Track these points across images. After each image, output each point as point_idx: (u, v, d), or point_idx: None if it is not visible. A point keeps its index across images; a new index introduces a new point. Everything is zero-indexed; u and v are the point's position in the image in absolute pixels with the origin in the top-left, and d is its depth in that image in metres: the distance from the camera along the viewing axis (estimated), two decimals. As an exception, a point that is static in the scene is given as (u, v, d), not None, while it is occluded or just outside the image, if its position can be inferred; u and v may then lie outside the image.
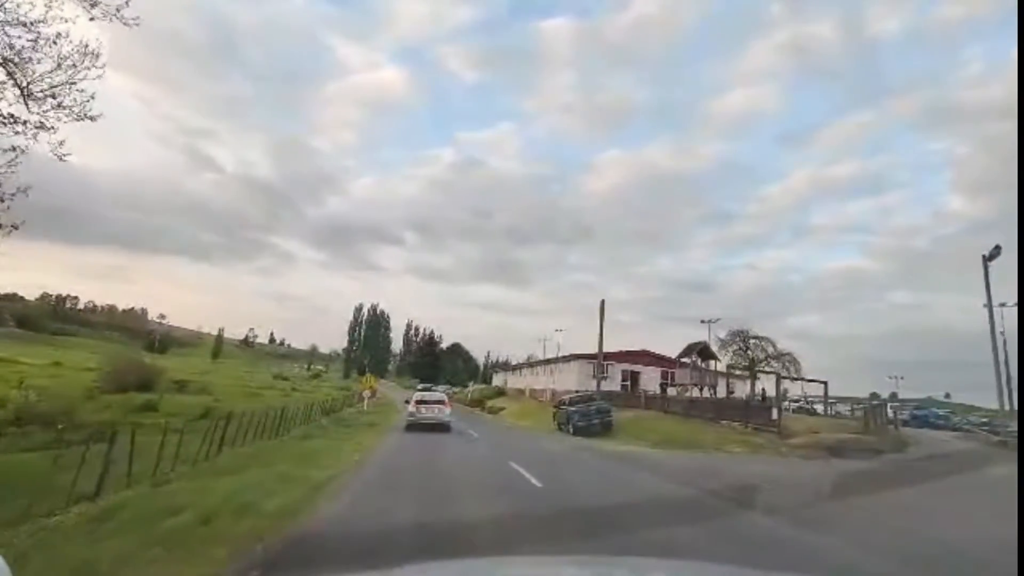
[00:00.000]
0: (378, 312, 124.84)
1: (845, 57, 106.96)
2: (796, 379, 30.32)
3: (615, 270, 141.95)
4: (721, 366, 31.05)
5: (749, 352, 28.99)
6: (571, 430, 24.17)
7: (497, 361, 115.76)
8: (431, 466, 11.36)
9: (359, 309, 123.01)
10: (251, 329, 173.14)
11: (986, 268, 27.67)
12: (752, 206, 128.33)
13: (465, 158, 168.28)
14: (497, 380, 76.60)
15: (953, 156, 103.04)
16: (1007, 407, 27.04)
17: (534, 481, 9.61)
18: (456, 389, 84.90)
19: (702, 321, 56.88)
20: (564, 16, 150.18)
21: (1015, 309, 41.36)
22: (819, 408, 32.27)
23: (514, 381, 65.04)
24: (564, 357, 46.12)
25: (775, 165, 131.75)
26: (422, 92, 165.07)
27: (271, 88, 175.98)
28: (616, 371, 42.28)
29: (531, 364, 59.47)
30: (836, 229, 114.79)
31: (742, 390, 32.17)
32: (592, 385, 41.06)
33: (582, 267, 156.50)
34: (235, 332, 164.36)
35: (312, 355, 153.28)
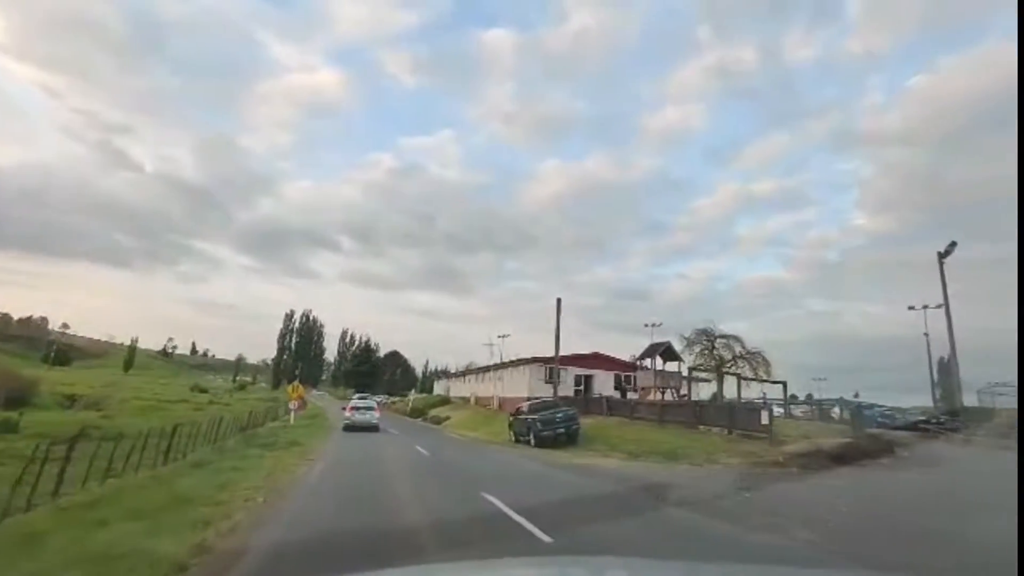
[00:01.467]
0: (311, 319, 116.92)
1: (765, 81, 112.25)
2: (756, 380, 28.55)
3: (556, 278, 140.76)
4: (681, 367, 28.84)
5: (716, 351, 27.00)
6: (532, 441, 20.85)
7: (436, 369, 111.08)
8: (375, 509, 7.69)
9: (290, 316, 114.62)
10: (170, 339, 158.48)
11: (941, 265, 27.05)
12: (683, 218, 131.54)
13: (406, 164, 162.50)
14: (439, 388, 72.25)
15: (858, 177, 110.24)
16: (954, 404, 26.37)
17: (540, 534, 6.18)
18: (395, 399, 79.74)
19: (646, 325, 55.51)
20: (505, 27, 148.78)
21: (934, 311, 42.51)
22: (778, 410, 30.72)
23: (458, 389, 61.06)
24: (514, 361, 42.87)
25: (704, 180, 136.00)
26: (361, 96, 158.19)
27: (199, 83, 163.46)
28: (569, 375, 39.43)
29: (477, 370, 55.75)
30: (758, 241, 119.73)
31: (704, 392, 30.10)
32: (544, 391, 38.02)
33: (523, 275, 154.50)
34: (154, 342, 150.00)
35: (239, 366, 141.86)
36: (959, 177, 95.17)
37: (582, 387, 39.07)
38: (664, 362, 28.10)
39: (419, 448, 18.16)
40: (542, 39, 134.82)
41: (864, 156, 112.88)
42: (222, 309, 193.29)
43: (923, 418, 39.91)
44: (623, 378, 39.12)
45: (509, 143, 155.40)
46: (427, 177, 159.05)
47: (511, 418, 24.32)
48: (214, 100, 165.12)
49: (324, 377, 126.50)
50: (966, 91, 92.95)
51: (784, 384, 29.07)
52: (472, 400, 51.54)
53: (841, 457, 15.81)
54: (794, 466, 15.13)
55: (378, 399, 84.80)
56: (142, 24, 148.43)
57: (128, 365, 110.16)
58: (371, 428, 26.13)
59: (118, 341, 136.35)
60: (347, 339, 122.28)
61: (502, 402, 43.77)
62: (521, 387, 40.05)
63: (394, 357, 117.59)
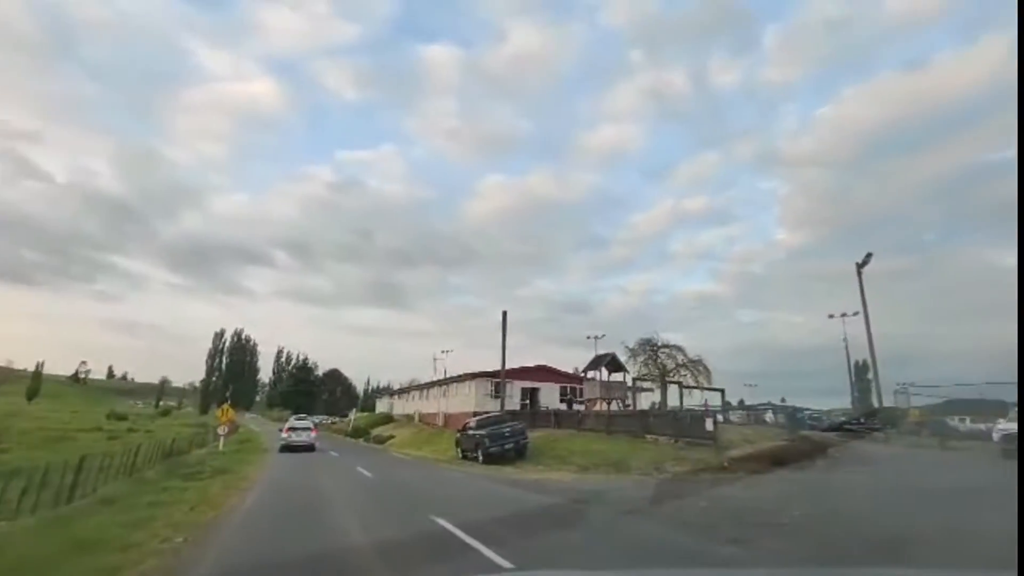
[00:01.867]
0: (243, 338, 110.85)
1: (695, 103, 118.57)
2: (697, 388, 29.24)
3: (499, 292, 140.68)
4: (627, 377, 29.09)
5: (659, 361, 27.43)
6: (480, 457, 20.24)
7: (378, 387, 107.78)
8: (316, 541, 6.94)
9: (220, 336, 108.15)
10: (83, 362, 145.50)
11: (860, 275, 28.84)
12: (622, 233, 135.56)
13: (345, 178, 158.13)
14: (381, 406, 69.94)
15: (777, 195, 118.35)
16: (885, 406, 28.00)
17: (496, 558, 5.70)
18: (335, 419, 76.43)
19: (588, 337, 56.14)
20: (446, 44, 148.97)
21: (851, 319, 45.54)
22: (719, 417, 31.60)
23: (401, 406, 59.30)
24: (459, 376, 42.03)
25: (641, 196, 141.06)
26: (299, 107, 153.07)
27: (119, 90, 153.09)
28: (515, 389, 39.06)
29: (421, 387, 54.35)
30: (692, 255, 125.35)
31: (647, 401, 30.52)
32: (490, 405, 37.46)
33: (466, 290, 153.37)
34: (64, 367, 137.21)
35: (162, 389, 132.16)
36: (862, 196, 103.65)
37: (528, 400, 38.79)
38: (609, 373, 28.29)
39: (362, 470, 17.15)
40: (483, 57, 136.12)
41: (783, 176, 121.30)
42: (144, 329, 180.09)
43: (845, 419, 42.46)
44: (569, 390, 39.18)
45: (452, 158, 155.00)
46: (367, 191, 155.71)
47: (458, 435, 23.62)
48: (136, 108, 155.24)
49: (258, 399, 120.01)
50: (864, 119, 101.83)
51: (722, 391, 30.04)
52: (416, 418, 50.12)
53: (782, 460, 16.26)
54: (740, 471, 15.37)
55: (317, 420, 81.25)
56: (54, 25, 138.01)
57: (33, 392, 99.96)
58: (308, 448, 27.33)
59: (19, 367, 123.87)
60: (283, 358, 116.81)
61: (448, 419, 42.76)
62: (467, 402, 39.27)
63: (334, 376, 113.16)
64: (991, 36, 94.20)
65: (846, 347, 46.31)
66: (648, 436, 19.64)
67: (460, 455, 22.92)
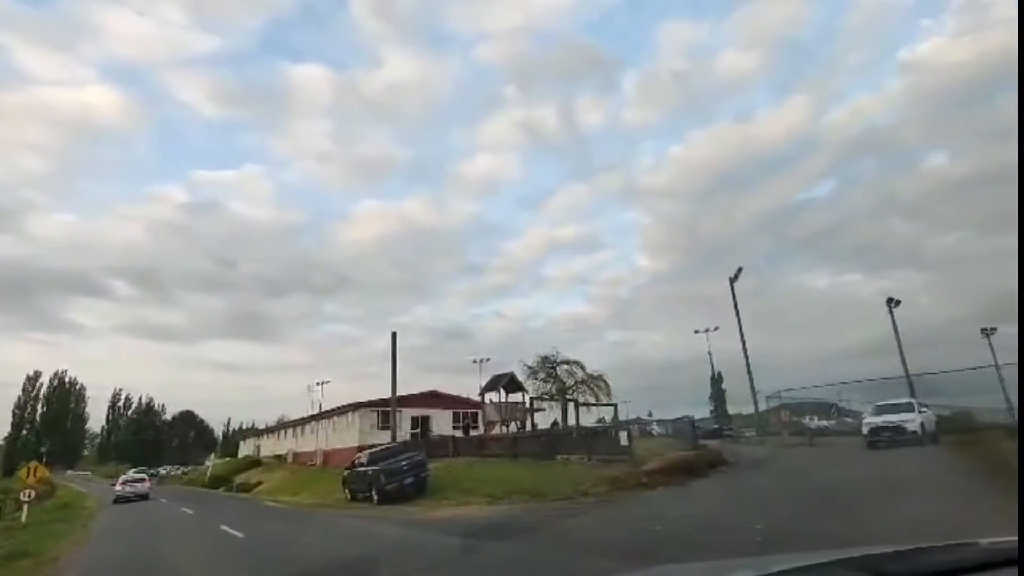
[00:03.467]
0: (66, 381, 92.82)
1: (565, 138, 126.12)
2: (591, 404, 29.01)
3: (376, 320, 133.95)
4: (525, 397, 27.96)
5: (558, 378, 26.66)
6: (375, 497, 17.60)
7: (241, 427, 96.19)
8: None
9: (34, 379, 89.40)
10: None
11: (732, 288, 30.99)
12: (499, 260, 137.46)
13: (201, 199, 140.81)
14: (245, 448, 61.86)
15: (640, 225, 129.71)
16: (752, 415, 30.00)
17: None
18: (187, 468, 66.22)
19: (474, 361, 54.74)
20: (318, 64, 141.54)
21: (714, 333, 49.63)
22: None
23: (270, 447, 52.71)
24: (340, 408, 38.03)
25: (516, 224, 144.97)
26: (145, 121, 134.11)
27: None
28: (404, 418, 36.15)
29: (293, 423, 48.65)
30: (565, 280, 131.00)
31: (543, 421, 29.62)
32: (377, 438, 34.24)
33: (341, 318, 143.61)
34: None
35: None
36: (710, 226, 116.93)
37: (419, 429, 36.15)
38: (507, 394, 27.00)
39: (227, 528, 13.74)
40: (358, 81, 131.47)
41: (643, 207, 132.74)
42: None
43: (717, 426, 45.54)
44: (462, 416, 37.23)
45: (325, 182, 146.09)
46: (229, 215, 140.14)
47: (345, 473, 20.59)
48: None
49: (87, 453, 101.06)
50: (708, 159, 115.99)
51: (615, 406, 30.11)
52: (289, 458, 44.58)
53: (692, 469, 15.97)
54: (658, 484, 14.72)
55: (164, 470, 70.14)
56: None
57: None
58: (142, 497, 29.49)
59: None
60: (120, 403, 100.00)
61: (328, 456, 38.43)
62: (350, 436, 35.55)
63: (186, 418, 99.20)
64: (796, 97, 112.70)
65: (711, 359, 50.12)
66: (559, 457, 18.48)
67: (349, 496, 19.93)
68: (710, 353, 48.47)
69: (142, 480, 32.46)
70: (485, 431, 26.50)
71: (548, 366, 27.04)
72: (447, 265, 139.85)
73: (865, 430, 18.94)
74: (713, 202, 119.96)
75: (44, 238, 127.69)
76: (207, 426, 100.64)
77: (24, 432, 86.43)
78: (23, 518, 18.23)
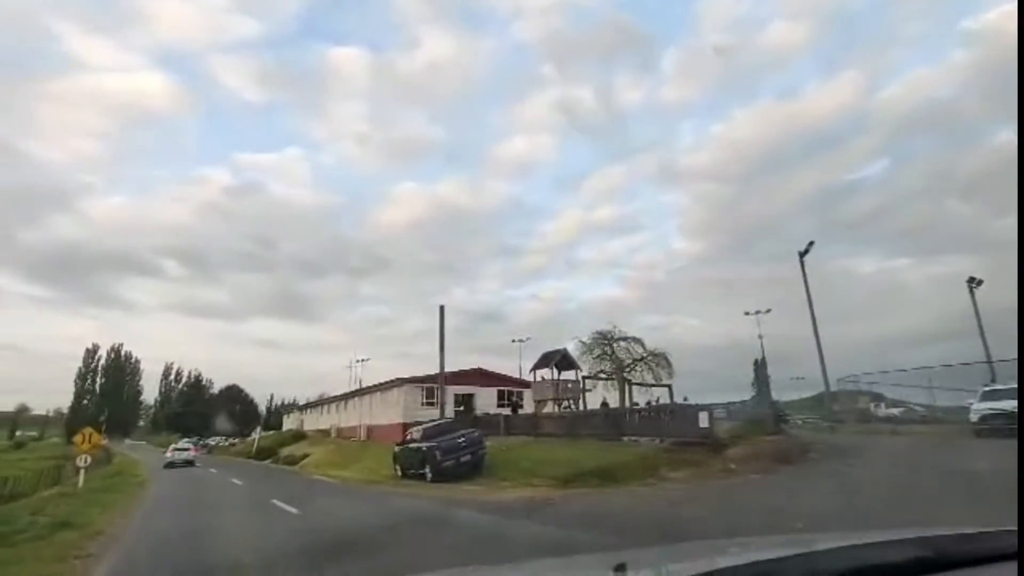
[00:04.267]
0: (122, 355, 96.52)
1: (602, 118, 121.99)
2: (651, 384, 27.20)
3: (411, 302, 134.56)
4: (579, 375, 26.39)
5: (614, 356, 24.98)
6: (430, 474, 16.51)
7: (283, 403, 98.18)
8: None
9: (93, 352, 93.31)
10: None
11: (802, 262, 28.51)
12: (534, 242, 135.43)
13: (245, 182, 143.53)
14: (289, 423, 62.71)
15: (678, 207, 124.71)
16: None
17: None
18: (234, 440, 67.78)
19: (513, 341, 53.40)
20: (356, 46, 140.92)
21: (766, 315, 46.92)
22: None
23: (313, 421, 53.03)
24: (385, 383, 37.42)
25: (552, 206, 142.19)
26: (192, 106, 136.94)
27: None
28: (448, 395, 35.27)
29: (337, 398, 48.62)
30: (600, 263, 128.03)
31: (591, 401, 28.02)
32: (422, 414, 33.47)
33: (377, 299, 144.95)
34: None
35: (18, 419, 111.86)
36: (750, 208, 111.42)
37: (463, 407, 35.21)
38: (559, 372, 25.56)
39: (280, 503, 12.82)
40: (395, 63, 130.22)
41: (682, 188, 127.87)
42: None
43: (782, 412, 43.02)
44: (509, 393, 36.09)
45: (362, 164, 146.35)
46: (270, 197, 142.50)
47: (396, 449, 19.62)
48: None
49: (142, 423, 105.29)
50: (750, 139, 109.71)
51: (670, 387, 28.25)
52: (333, 432, 44.56)
53: (784, 457, 14.20)
54: (748, 472, 13.06)
55: (213, 442, 72.09)
56: None
57: None
58: (189, 463, 34.88)
59: None
60: (171, 376, 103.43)
61: (371, 431, 38.01)
62: (394, 412, 34.89)
63: (232, 393, 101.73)
64: (847, 72, 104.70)
65: (761, 344, 47.36)
66: (624, 438, 16.95)
67: (399, 473, 18.97)
68: (760, 336, 45.69)
69: (188, 449, 38.25)
70: (536, 410, 25.19)
71: (605, 343, 25.36)
72: (482, 247, 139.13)
73: (974, 417, 16.77)
74: (755, 183, 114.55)
75: (99, 219, 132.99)
76: (251, 400, 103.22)
77: (84, 402, 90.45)
78: (79, 483, 17.94)
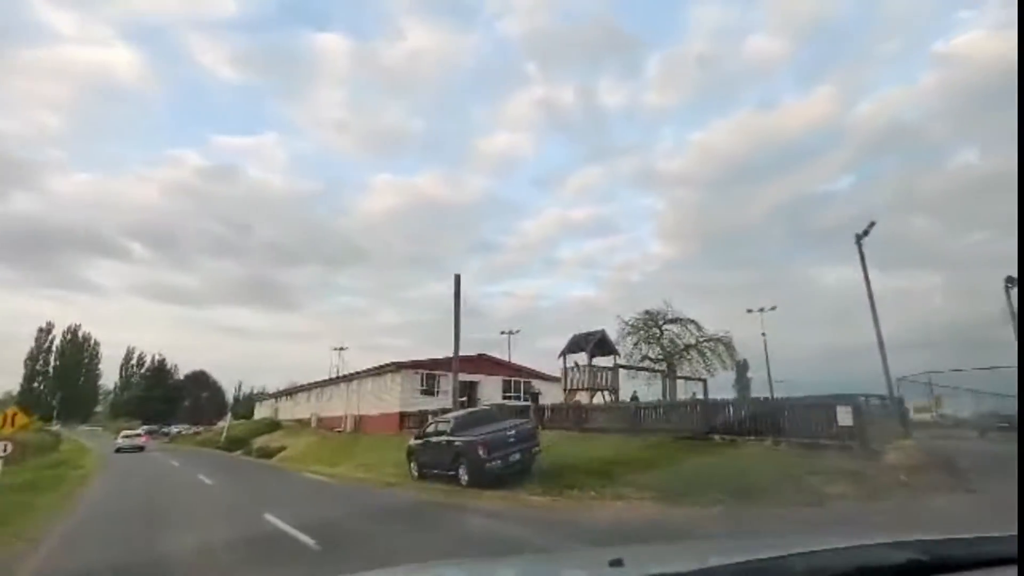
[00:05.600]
0: (80, 336, 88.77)
1: (584, 118, 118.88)
2: (681, 377, 23.43)
3: (387, 294, 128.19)
4: (616, 361, 22.42)
5: (663, 339, 21.11)
6: (465, 477, 12.42)
7: (253, 392, 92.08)
8: None
9: (46, 331, 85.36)
10: None
11: (860, 246, 25.29)
12: (512, 239, 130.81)
13: (219, 164, 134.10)
14: (262, 411, 57.34)
15: (655, 210, 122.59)
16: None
17: None
18: (199, 428, 62.01)
19: (502, 332, 49.24)
20: (338, 32, 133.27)
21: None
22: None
23: (289, 410, 47.97)
24: (378, 368, 32.88)
25: (531, 204, 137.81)
26: (166, 83, 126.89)
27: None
28: (449, 382, 31.08)
29: (319, 384, 43.70)
30: (577, 262, 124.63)
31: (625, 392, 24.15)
32: (421, 405, 29.29)
33: (353, 290, 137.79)
34: None
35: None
36: (724, 215, 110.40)
37: (466, 397, 31.06)
38: (590, 358, 21.72)
39: (273, 520, 8.57)
40: (378, 52, 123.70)
41: (659, 193, 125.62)
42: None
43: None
44: (516, 383, 32.11)
45: (341, 152, 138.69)
46: (245, 181, 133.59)
47: (413, 443, 15.40)
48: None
49: (100, 409, 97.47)
50: (727, 147, 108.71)
51: (705, 382, 24.56)
52: (313, 422, 39.77)
53: (952, 469, 10.64)
54: (932, 489, 9.38)
55: (176, 429, 66.14)
56: None
57: None
58: (139, 448, 34.71)
59: None
60: (133, 360, 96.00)
61: (360, 422, 33.51)
62: (389, 400, 30.53)
63: (199, 378, 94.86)
64: (823, 87, 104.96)
65: (764, 342, 44.19)
66: (716, 437, 13.14)
67: (416, 473, 14.82)
68: (764, 334, 42.64)
69: (139, 435, 37.79)
70: (565, 400, 21.28)
71: (652, 324, 21.45)
72: (460, 242, 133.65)
73: None
74: (731, 191, 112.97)
75: (63, 196, 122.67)
76: (219, 387, 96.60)
77: (36, 384, 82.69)
78: (-7, 478, 13.20)
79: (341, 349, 53.87)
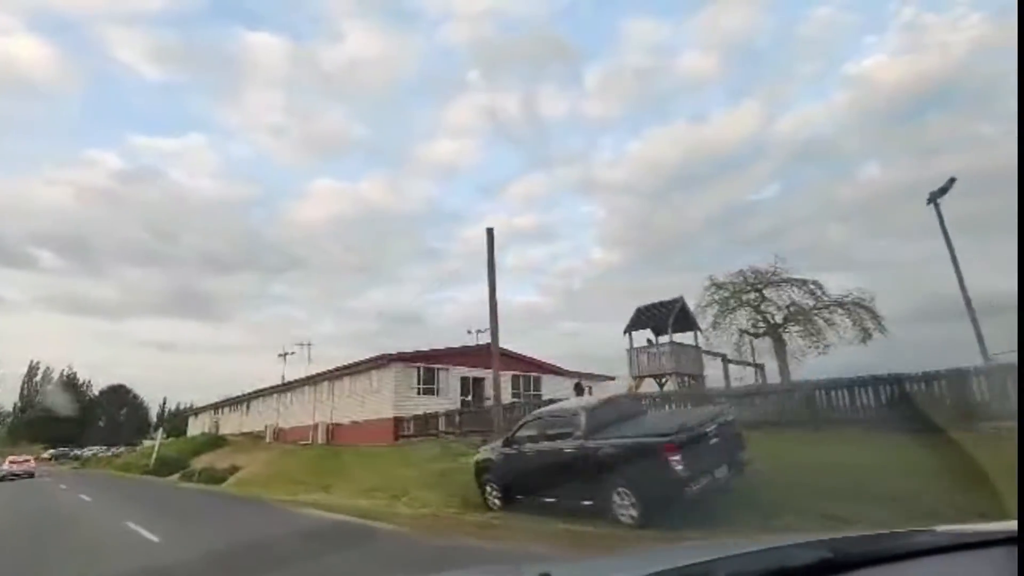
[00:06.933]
0: (-33, 348, 74.10)
1: (527, 127, 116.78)
2: (735, 362, 19.04)
3: (326, 303, 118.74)
4: (698, 338, 17.34)
5: (762, 309, 16.18)
6: (633, 512, 7.03)
7: (180, 407, 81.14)
8: None
9: (-77, 341, 70.48)
10: None
11: (937, 205, 22.10)
12: (456, 246, 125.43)
13: (140, 167, 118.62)
14: (198, 426, 48.36)
15: (596, 218, 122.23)
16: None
17: None
18: (119, 449, 52.02)
19: (468, 332, 43.65)
20: (273, 33, 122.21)
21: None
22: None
23: (235, 423, 39.95)
24: (359, 365, 26.25)
25: (475, 211, 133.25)
26: (79, 78, 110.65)
27: None
28: (452, 378, 25.19)
29: (278, 388, 35.90)
30: (521, 270, 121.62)
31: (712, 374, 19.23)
32: (416, 404, 23.46)
33: (290, 299, 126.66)
34: None
35: None
36: (663, 223, 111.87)
37: (471, 395, 25.37)
38: (657, 335, 16.82)
39: None
40: (316, 54, 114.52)
41: (600, 201, 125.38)
42: None
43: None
44: (526, 380, 26.71)
45: (277, 157, 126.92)
46: (170, 185, 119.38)
47: (490, 454, 9.69)
48: None
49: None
50: (664, 158, 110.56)
51: (761, 366, 20.25)
52: (269, 436, 32.41)
53: None
54: None
55: (87, 452, 55.71)
56: None
57: None
58: (29, 475, 31.44)
59: None
60: (38, 377, 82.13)
61: (333, 431, 26.90)
62: (377, 403, 24.23)
63: (116, 394, 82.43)
64: (750, 102, 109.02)
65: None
66: (949, 431, 8.42)
67: (497, 502, 9.20)
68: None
69: (27, 460, 34.57)
70: (631, 388, 16.20)
71: (749, 288, 16.51)
72: (402, 249, 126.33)
73: None
74: (667, 200, 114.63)
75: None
76: (141, 403, 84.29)
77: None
78: None
79: (287, 355, 45.86)
